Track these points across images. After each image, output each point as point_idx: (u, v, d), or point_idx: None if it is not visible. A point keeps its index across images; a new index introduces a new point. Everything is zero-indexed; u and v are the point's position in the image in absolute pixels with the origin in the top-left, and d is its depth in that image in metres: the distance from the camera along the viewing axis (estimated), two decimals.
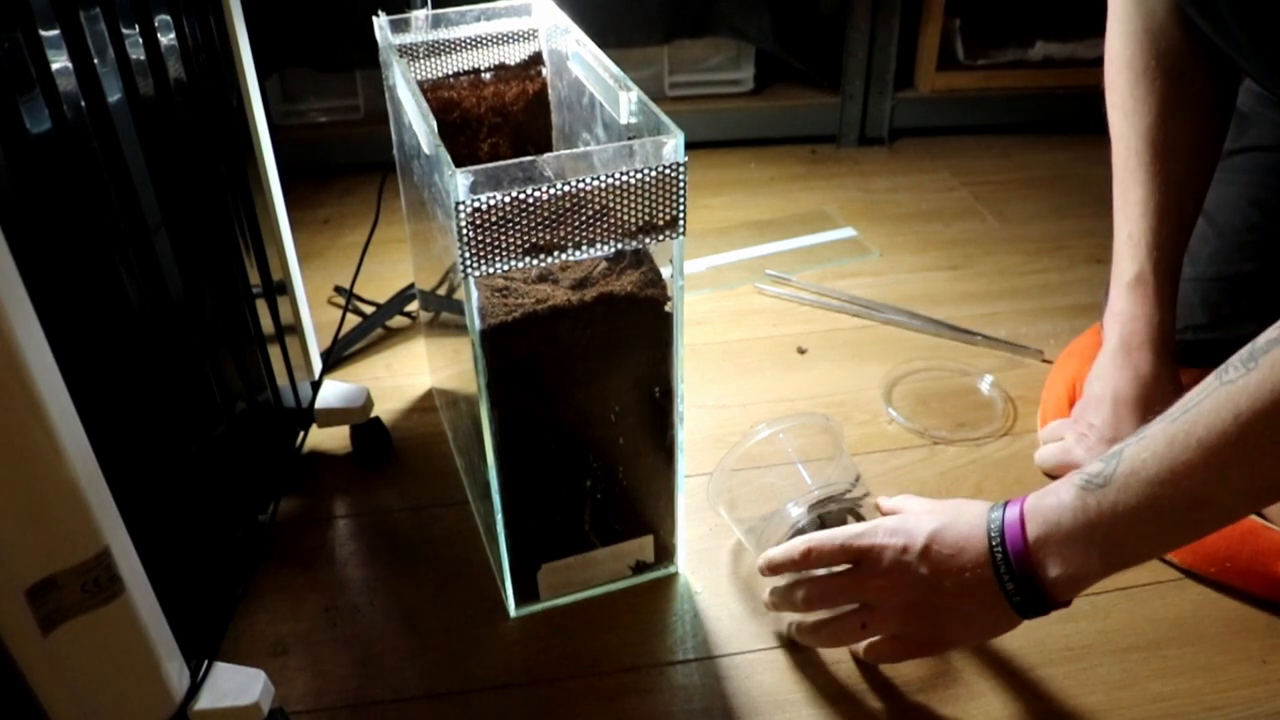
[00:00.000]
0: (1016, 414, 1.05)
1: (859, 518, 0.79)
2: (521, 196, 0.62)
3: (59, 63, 0.58)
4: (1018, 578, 0.65)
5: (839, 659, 0.79)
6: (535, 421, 0.73)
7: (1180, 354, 0.90)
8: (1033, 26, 1.65)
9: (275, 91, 1.56)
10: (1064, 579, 0.64)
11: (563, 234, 0.64)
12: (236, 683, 0.68)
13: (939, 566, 0.68)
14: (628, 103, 0.71)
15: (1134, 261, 0.88)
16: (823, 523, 0.78)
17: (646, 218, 0.66)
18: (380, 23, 0.87)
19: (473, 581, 0.86)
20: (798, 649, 0.80)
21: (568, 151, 0.64)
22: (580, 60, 0.81)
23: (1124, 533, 0.61)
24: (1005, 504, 0.67)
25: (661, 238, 0.67)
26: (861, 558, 0.72)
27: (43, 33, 0.56)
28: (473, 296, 0.66)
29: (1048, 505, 0.64)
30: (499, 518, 0.76)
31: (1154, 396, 0.86)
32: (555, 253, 0.65)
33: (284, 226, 0.90)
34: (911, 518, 0.71)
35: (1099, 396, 0.90)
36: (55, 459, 0.52)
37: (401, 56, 0.89)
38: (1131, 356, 0.88)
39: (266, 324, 0.86)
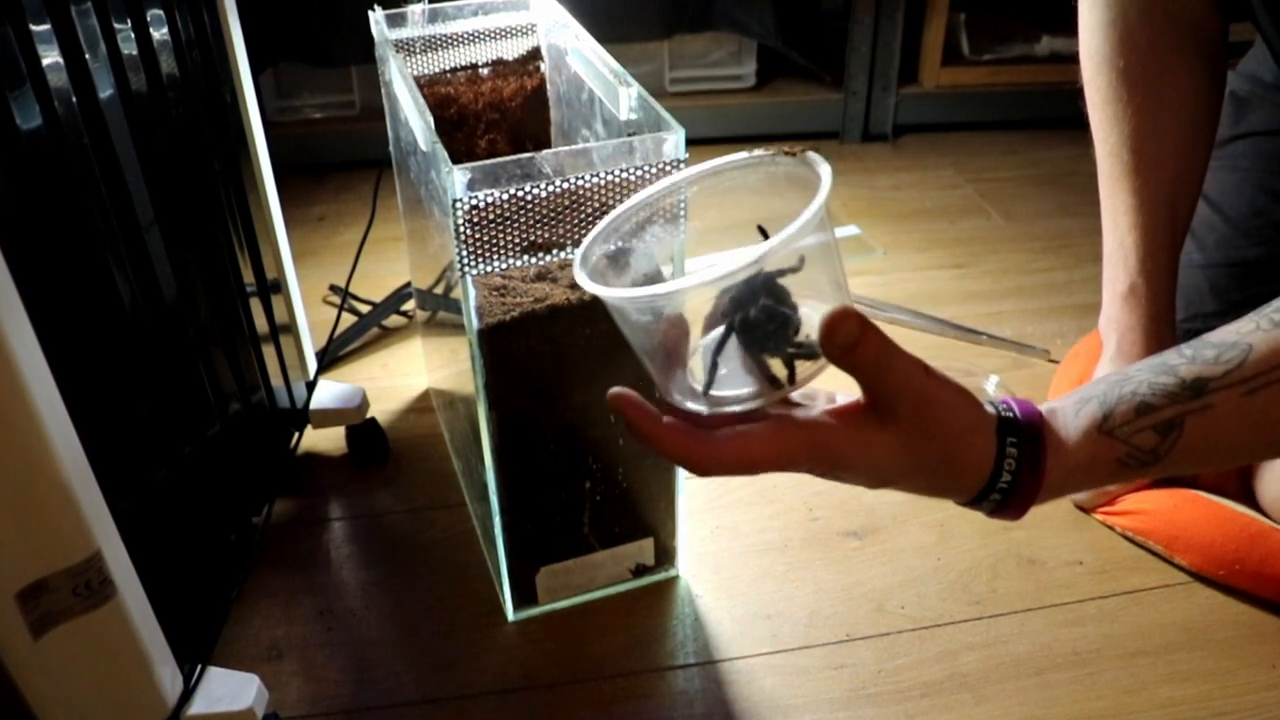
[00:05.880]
0: None
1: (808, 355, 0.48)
2: (520, 194, 0.61)
3: (50, 58, 0.57)
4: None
5: (841, 664, 0.78)
6: (534, 422, 0.72)
7: None
8: (1039, 21, 1.64)
9: (269, 87, 1.55)
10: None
11: (562, 232, 0.63)
12: (230, 688, 0.67)
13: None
14: (627, 99, 0.70)
15: (1126, 272, 0.87)
16: (746, 325, 0.49)
17: (646, 215, 0.65)
18: (376, 17, 0.86)
19: (470, 585, 0.85)
20: (800, 653, 0.79)
21: (567, 148, 0.63)
22: (579, 55, 0.80)
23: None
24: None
25: (662, 235, 0.66)
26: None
27: (33, 27, 0.55)
28: (470, 295, 0.66)
29: (1073, 466, 0.53)
30: (497, 520, 0.75)
31: None
32: (554, 251, 0.64)
33: (278, 224, 0.90)
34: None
35: None
36: (46, 460, 0.52)
37: (398, 51, 0.88)
38: (1130, 364, 0.87)
39: (261, 323, 0.86)
